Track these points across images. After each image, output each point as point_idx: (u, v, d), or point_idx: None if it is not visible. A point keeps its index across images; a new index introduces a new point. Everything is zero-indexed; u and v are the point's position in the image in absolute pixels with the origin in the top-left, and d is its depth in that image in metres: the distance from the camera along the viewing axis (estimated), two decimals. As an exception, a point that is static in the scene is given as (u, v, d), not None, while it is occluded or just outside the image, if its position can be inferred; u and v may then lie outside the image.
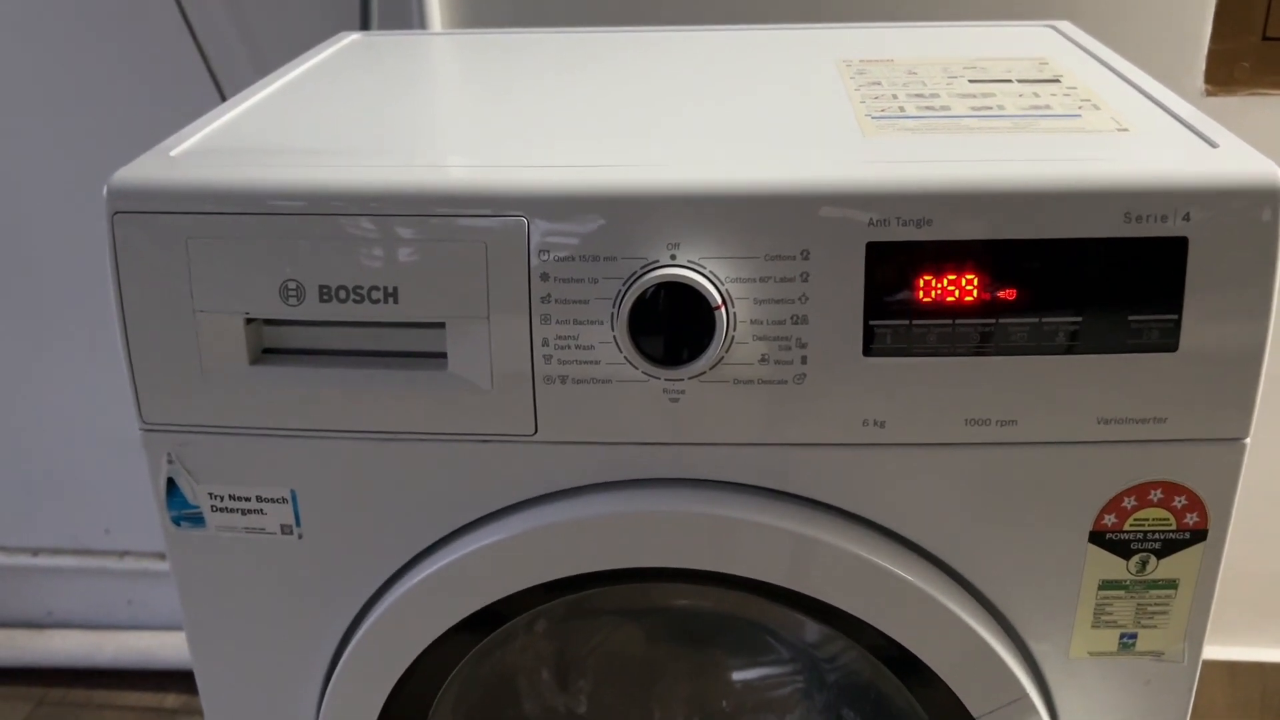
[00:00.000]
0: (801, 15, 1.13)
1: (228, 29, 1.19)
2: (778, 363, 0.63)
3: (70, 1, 1.20)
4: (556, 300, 0.63)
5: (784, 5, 1.13)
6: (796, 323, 0.63)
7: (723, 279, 0.62)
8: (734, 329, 0.63)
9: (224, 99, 1.18)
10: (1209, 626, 0.70)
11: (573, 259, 0.62)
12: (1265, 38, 1.09)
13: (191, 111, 0.80)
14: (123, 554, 1.50)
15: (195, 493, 0.70)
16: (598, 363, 0.64)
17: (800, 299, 0.62)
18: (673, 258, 0.62)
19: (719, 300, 0.62)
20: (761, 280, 0.62)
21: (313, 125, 0.74)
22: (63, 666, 1.51)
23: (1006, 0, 1.11)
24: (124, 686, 1.49)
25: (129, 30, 1.21)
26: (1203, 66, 1.11)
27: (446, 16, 1.16)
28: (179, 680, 1.49)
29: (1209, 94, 1.11)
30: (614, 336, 0.63)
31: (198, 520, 0.71)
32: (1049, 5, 1.10)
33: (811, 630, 0.84)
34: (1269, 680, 1.35)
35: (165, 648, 1.50)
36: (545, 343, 0.64)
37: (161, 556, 1.49)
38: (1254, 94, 1.11)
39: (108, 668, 1.50)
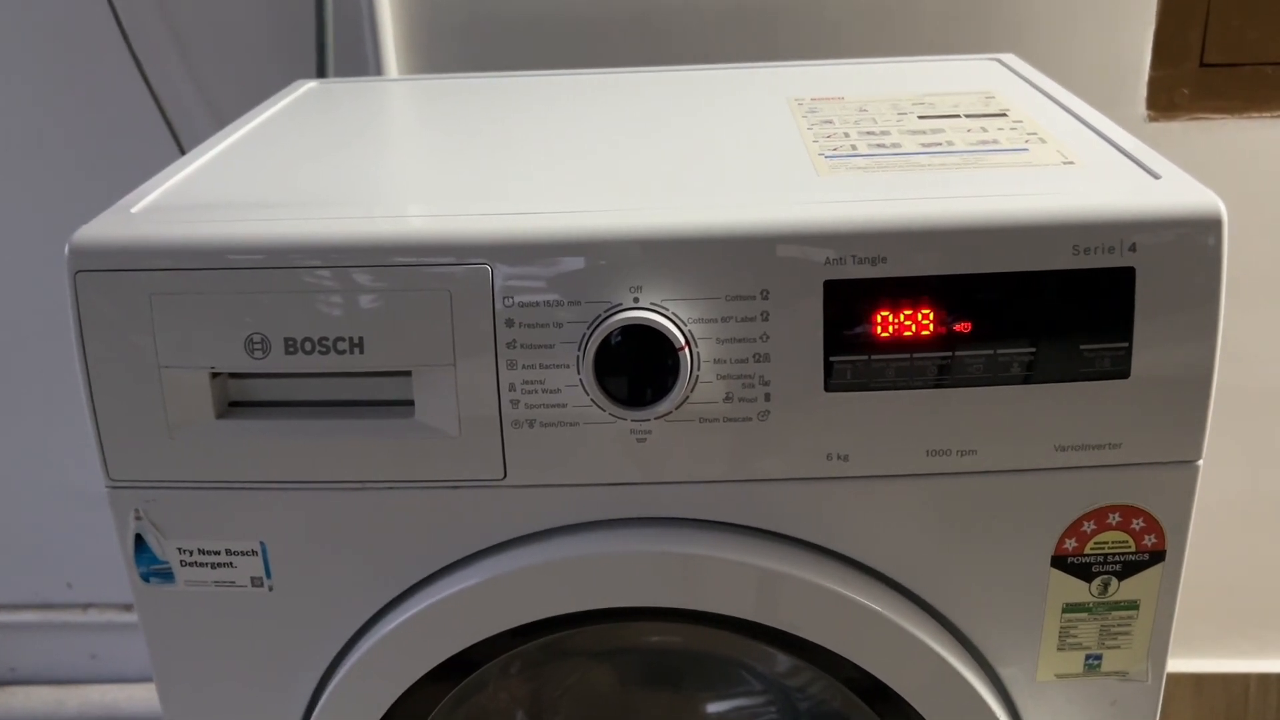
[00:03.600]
0: (752, 55, 1.14)
1: (183, 79, 1.19)
2: (741, 401, 0.64)
3: (22, 57, 1.20)
4: (522, 345, 0.64)
5: (735, 45, 1.15)
6: (758, 361, 0.64)
7: (685, 320, 0.63)
8: (698, 369, 0.64)
9: (182, 150, 1.18)
10: (1174, 640, 0.71)
11: (537, 304, 0.63)
12: (1203, 64, 1.13)
13: (150, 163, 0.80)
14: (85, 607, 1.48)
15: (164, 548, 0.70)
16: (564, 406, 0.65)
17: (761, 338, 0.63)
18: (635, 300, 0.63)
19: (682, 341, 0.63)
20: (723, 320, 0.63)
21: (273, 177, 0.74)
22: (27, 724, 1.49)
23: (951, 35, 1.13)
24: (90, 742, 1.47)
25: (83, 85, 1.20)
26: (1144, 93, 1.14)
27: (402, 62, 1.17)
28: (146, 733, 1.47)
29: (1151, 119, 1.14)
30: (580, 379, 0.64)
31: (167, 576, 0.71)
32: (992, 38, 1.13)
33: (783, 661, 0.84)
34: (1233, 691, 1.37)
35: (131, 701, 1.48)
36: (512, 387, 0.65)
37: (125, 608, 1.47)
38: (1194, 118, 1.14)
39: (73, 724, 1.48)
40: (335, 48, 1.13)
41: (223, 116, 1.18)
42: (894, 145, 0.74)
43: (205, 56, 1.19)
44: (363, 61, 1.16)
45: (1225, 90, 1.13)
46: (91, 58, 1.19)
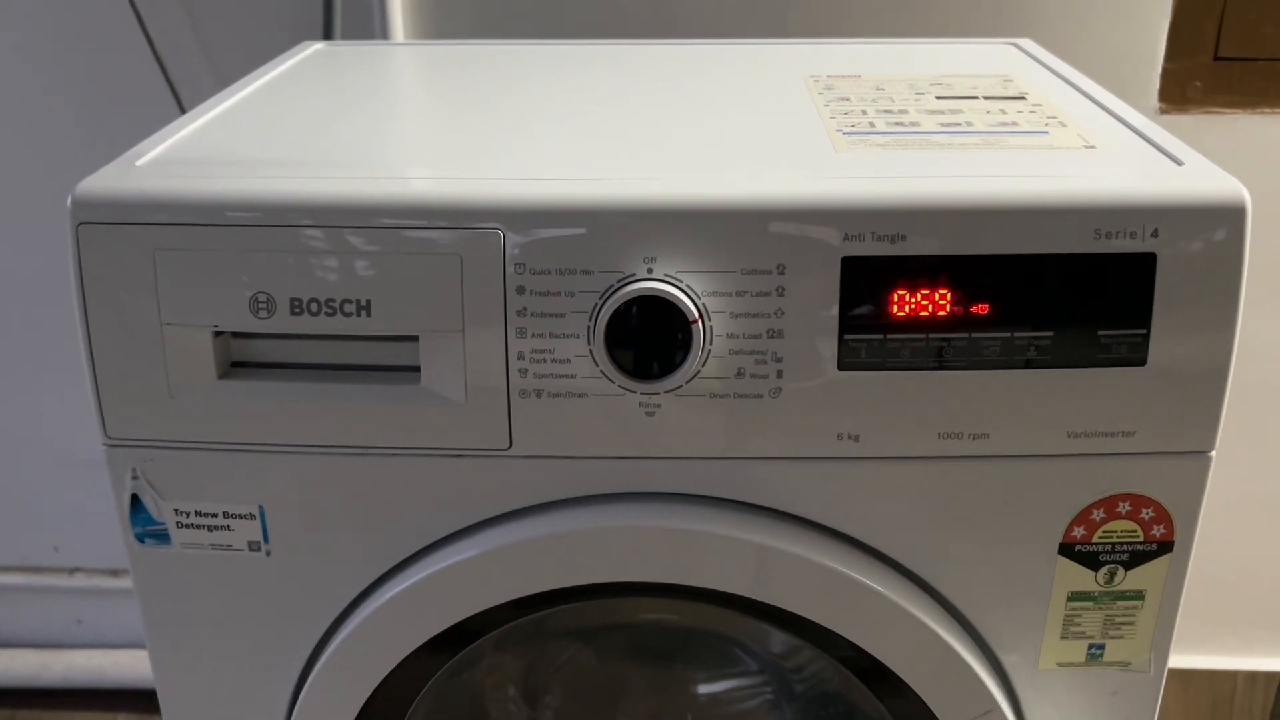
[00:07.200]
0: (763, 31, 1.13)
1: (187, 39, 1.18)
2: (753, 376, 0.64)
3: (25, 15, 1.18)
4: (532, 313, 0.63)
5: (746, 21, 1.14)
6: (772, 337, 0.63)
7: (700, 293, 0.62)
8: (710, 343, 0.63)
9: (182, 111, 1.16)
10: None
11: (549, 272, 0.62)
12: (1217, 58, 1.12)
13: (152, 124, 0.79)
14: (72, 571, 1.47)
15: (160, 509, 0.69)
16: (573, 376, 0.64)
17: (776, 313, 0.62)
18: (650, 271, 0.62)
19: (696, 314, 0.62)
20: (738, 294, 0.62)
21: (282, 136, 0.73)
22: (10, 687, 1.47)
23: (963, 20, 1.12)
24: (73, 706, 1.46)
25: (86, 41, 1.19)
26: (1157, 85, 1.13)
27: (409, 27, 1.15)
28: (130, 699, 1.46)
29: (1163, 112, 1.13)
30: (590, 350, 0.63)
31: (163, 537, 0.70)
32: (1005, 24, 1.12)
33: (779, 641, 0.84)
34: (1220, 688, 1.37)
35: (116, 666, 1.47)
36: (520, 356, 0.64)
37: (113, 574, 1.46)
38: (1206, 113, 1.13)
39: (57, 687, 1.47)
40: (342, 10, 1.11)
41: (226, 78, 1.16)
42: (913, 124, 0.73)
43: (211, 17, 1.17)
44: (369, 24, 1.14)
45: (1239, 85, 1.12)
46: (95, 17, 1.17)
